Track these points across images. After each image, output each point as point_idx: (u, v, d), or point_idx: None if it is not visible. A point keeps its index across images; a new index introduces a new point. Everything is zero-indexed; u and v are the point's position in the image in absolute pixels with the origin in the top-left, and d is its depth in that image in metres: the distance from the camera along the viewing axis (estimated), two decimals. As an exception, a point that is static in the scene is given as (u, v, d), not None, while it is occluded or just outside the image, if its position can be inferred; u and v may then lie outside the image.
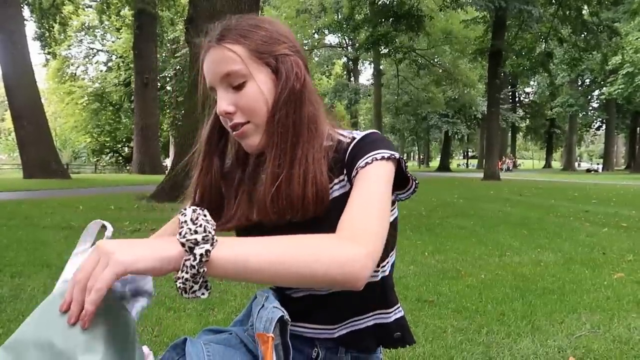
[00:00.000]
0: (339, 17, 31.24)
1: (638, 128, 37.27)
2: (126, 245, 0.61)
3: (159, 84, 29.03)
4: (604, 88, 33.08)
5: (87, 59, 41.08)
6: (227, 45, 0.83)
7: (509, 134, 48.30)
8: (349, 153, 0.85)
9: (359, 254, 0.68)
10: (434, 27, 25.00)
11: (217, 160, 0.94)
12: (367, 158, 0.82)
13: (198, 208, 0.67)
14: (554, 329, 2.69)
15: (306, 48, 32.97)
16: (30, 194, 11.19)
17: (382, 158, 0.82)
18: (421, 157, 61.35)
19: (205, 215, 0.66)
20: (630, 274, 3.89)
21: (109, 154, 43.15)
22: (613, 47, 21.59)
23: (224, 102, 0.84)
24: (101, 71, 41.28)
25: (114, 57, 39.10)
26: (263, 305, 0.84)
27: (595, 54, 23.28)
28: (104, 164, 41.54)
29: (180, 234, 0.63)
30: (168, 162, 26.51)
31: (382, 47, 23.36)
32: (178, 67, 34.93)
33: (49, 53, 25.27)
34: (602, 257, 4.60)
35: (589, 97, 40.06)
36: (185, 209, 0.66)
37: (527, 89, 49.49)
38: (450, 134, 38.98)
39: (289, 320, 0.78)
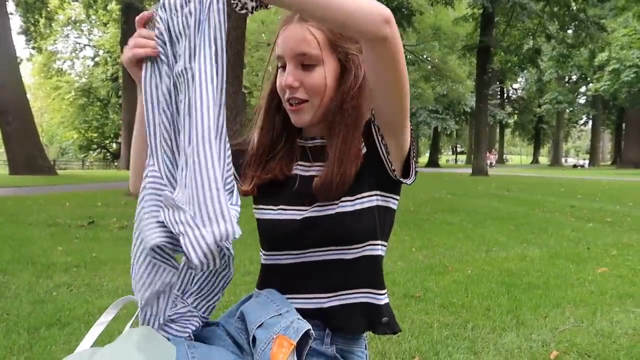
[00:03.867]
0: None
1: (624, 124, 37.70)
2: None
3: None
4: (591, 84, 33.44)
5: (73, 54, 40.55)
6: (310, 28, 0.91)
7: (497, 130, 48.64)
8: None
9: (388, 12, 0.76)
10: (423, 23, 25.04)
11: (277, 121, 1.02)
12: None
13: None
14: (539, 323, 2.73)
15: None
16: (16, 191, 11.05)
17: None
18: (410, 152, 61.53)
19: None
20: (614, 269, 3.95)
21: (97, 150, 42.73)
22: (600, 43, 21.81)
23: (291, 77, 0.92)
24: (88, 66, 40.79)
25: (101, 52, 38.59)
26: (280, 314, 0.88)
27: (583, 50, 23.51)
28: (92, 160, 41.14)
29: None
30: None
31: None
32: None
33: (34, 48, 24.89)
34: (587, 251, 4.66)
35: (576, 93, 40.46)
36: None
37: (515, 85, 49.87)
38: (439, 130, 39.15)
39: (314, 335, 0.84)
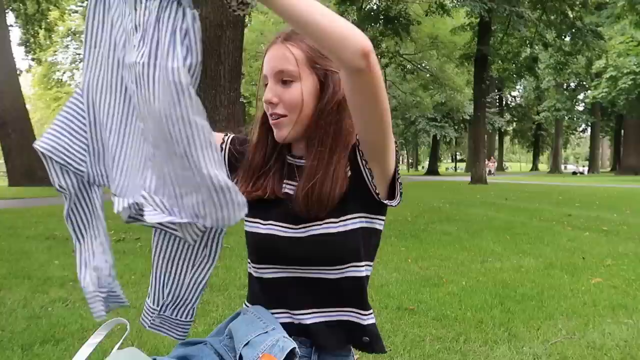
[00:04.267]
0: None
1: (622, 131, 37.75)
2: None
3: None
4: (589, 92, 33.54)
5: (73, 65, 40.71)
6: (289, 46, 0.96)
7: (496, 138, 48.71)
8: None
9: (367, 44, 0.77)
10: (421, 32, 25.20)
11: (270, 137, 1.04)
12: None
13: None
14: (531, 336, 2.74)
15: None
16: (15, 203, 11.07)
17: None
18: (410, 161, 61.63)
19: None
20: (608, 279, 3.96)
21: (97, 161, 42.73)
22: (597, 51, 21.91)
23: (271, 93, 0.97)
24: (88, 77, 40.90)
25: (100, 63, 38.74)
26: (267, 332, 0.90)
27: (580, 58, 23.60)
28: (92, 170, 41.10)
29: None
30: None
31: (370, 52, 23.47)
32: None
33: (33, 59, 25.02)
34: (582, 261, 4.67)
35: (575, 100, 40.57)
36: None
37: (514, 93, 50.01)
38: (438, 138, 39.21)
39: (299, 353, 0.87)
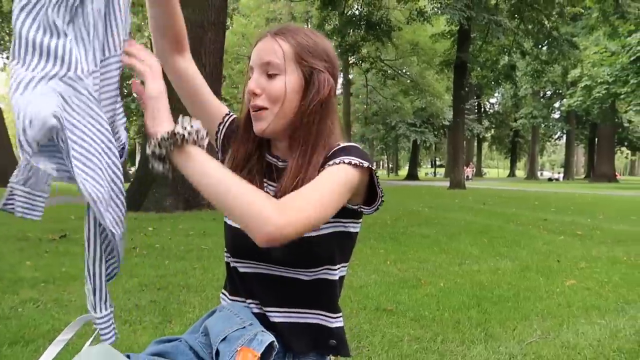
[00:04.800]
0: (309, 26, 31.48)
1: (596, 139, 38.72)
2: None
3: (125, 91, 28.47)
4: (564, 100, 34.31)
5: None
6: (278, 40, 0.96)
7: (475, 144, 49.43)
8: (328, 157, 0.95)
9: (274, 223, 0.76)
10: (402, 39, 25.46)
11: (252, 134, 1.03)
12: (336, 160, 0.90)
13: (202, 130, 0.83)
14: (507, 336, 2.77)
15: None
16: (-14, 203, 10.76)
17: (350, 163, 0.89)
18: (390, 166, 62.06)
19: (204, 135, 0.83)
20: (582, 281, 4.04)
21: (73, 162, 41.96)
22: (573, 60, 22.45)
23: (254, 83, 0.97)
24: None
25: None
26: (244, 327, 0.89)
27: (556, 67, 24.15)
28: (67, 171, 40.35)
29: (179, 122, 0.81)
30: (134, 170, 25.95)
31: (351, 56, 23.66)
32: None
33: (8, 57, 24.47)
34: (557, 264, 4.75)
35: (551, 108, 41.47)
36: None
37: (492, 100, 50.87)
38: (418, 143, 39.59)
39: (277, 346, 0.86)
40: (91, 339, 0.97)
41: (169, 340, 1.01)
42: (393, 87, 33.19)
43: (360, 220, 1.03)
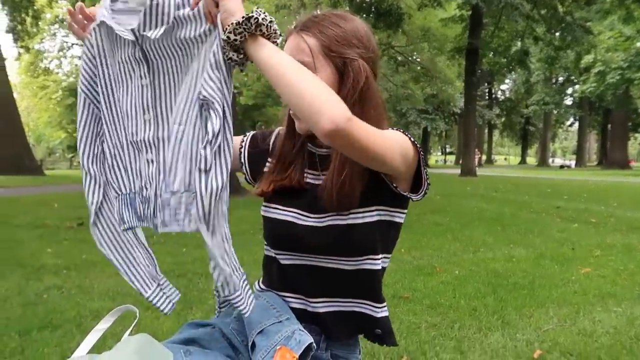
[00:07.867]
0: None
1: (609, 125, 38.20)
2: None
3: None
4: (577, 86, 33.83)
5: (61, 53, 40.07)
6: (304, 36, 0.94)
7: (486, 131, 49.03)
8: None
9: (342, 112, 0.76)
10: (412, 25, 25.14)
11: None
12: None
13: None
14: (523, 323, 2.79)
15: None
16: (3, 192, 10.94)
17: (407, 135, 0.94)
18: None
19: (277, 29, 0.81)
20: (597, 269, 4.04)
21: (85, 150, 42.22)
22: (586, 45, 22.09)
23: None
24: (76, 65, 40.28)
25: (88, 51, 38.12)
26: (281, 321, 0.91)
27: (569, 52, 23.77)
28: (80, 159, 40.69)
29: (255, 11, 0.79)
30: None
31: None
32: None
33: (22, 47, 24.57)
34: (572, 252, 4.75)
35: (563, 94, 40.93)
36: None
37: (503, 86, 50.31)
38: (429, 130, 39.37)
39: (315, 347, 0.87)
40: (130, 328, 0.99)
41: (202, 325, 1.02)
42: (404, 74, 32.89)
43: (406, 210, 1.03)
